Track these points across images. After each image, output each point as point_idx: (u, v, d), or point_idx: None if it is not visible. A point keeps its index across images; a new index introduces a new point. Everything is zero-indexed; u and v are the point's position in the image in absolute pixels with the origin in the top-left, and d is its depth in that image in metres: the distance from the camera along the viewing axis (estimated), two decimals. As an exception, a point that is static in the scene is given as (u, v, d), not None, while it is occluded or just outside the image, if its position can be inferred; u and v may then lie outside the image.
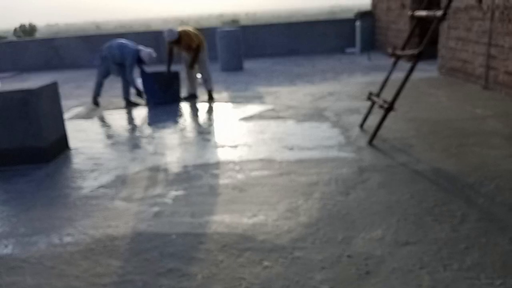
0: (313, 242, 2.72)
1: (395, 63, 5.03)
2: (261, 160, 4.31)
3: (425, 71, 9.25)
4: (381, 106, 4.48)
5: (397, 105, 4.60)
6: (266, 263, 2.53)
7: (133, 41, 7.58)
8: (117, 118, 6.57)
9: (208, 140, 5.11)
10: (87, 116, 6.75)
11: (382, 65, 10.38)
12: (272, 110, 6.43)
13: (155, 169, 4.22)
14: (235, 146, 4.79)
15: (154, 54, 7.11)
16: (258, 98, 7.33)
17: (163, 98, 7.25)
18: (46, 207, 3.50)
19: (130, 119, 6.52)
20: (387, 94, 5.07)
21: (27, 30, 52.62)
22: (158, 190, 3.70)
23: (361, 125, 5.20)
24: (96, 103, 7.27)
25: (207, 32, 9.37)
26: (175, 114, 6.62)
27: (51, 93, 4.77)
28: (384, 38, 12.59)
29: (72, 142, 5.22)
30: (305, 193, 3.45)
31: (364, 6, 15.01)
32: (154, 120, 6.24)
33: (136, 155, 4.69)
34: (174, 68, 7.37)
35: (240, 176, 3.91)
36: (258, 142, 4.90)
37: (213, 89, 7.56)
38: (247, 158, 4.40)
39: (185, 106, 7.12)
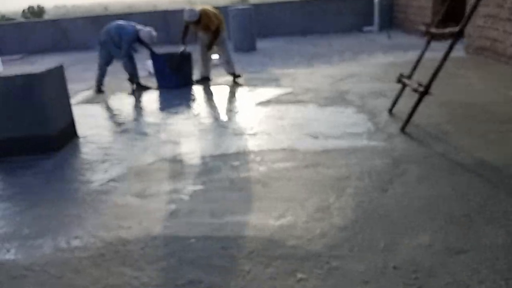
0: (351, 249, 2.40)
1: (428, 42, 4.60)
2: (283, 149, 3.97)
3: (450, 50, 8.75)
4: (415, 90, 4.09)
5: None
6: (300, 274, 2.22)
7: (141, 22, 7.19)
8: (127, 103, 6.25)
9: (225, 127, 4.77)
10: (95, 100, 6.44)
11: (403, 44, 9.87)
12: (291, 93, 6.05)
13: (170, 160, 3.91)
14: (254, 134, 4.45)
15: (154, 33, 6.67)
16: (275, 81, 6.95)
17: (175, 81, 6.90)
18: (53, 203, 3.22)
19: (141, 104, 6.20)
20: (416, 76, 4.68)
21: (36, 12, 52.23)
22: (173, 184, 3.40)
23: (390, 110, 4.81)
24: (99, 91, 6.90)
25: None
26: (188, 99, 6.27)
27: (57, 77, 4.45)
28: (403, 16, 12.00)
29: (81, 129, 4.92)
30: (336, 189, 3.11)
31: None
32: (166, 105, 5.92)
33: (148, 144, 4.39)
34: (188, 48, 6.98)
35: (262, 168, 3.58)
36: (278, 129, 4.55)
37: (236, 71, 7.15)
38: (268, 147, 4.06)
39: (198, 90, 6.77)
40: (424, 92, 3.96)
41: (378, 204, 2.86)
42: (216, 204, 3.01)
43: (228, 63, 7.03)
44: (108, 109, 6.02)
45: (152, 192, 3.28)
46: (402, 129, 4.21)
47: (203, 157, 3.94)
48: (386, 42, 10.37)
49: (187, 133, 4.66)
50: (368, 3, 12.64)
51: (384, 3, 12.03)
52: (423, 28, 4.54)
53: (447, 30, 3.96)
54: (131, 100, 6.41)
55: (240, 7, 11.15)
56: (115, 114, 5.73)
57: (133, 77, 6.75)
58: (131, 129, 4.95)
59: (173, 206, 3.02)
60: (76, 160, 4.10)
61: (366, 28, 12.51)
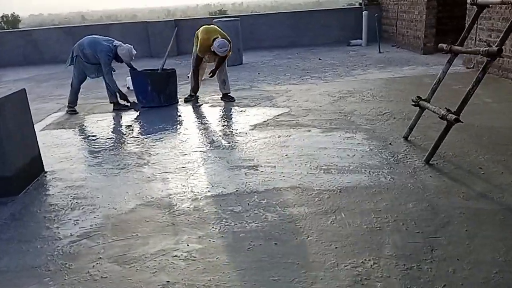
0: None
1: (450, 61, 4.06)
2: (292, 188, 3.33)
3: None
4: (443, 117, 3.51)
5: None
6: None
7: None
8: (104, 127, 5.51)
9: (219, 158, 4.10)
10: (68, 124, 5.66)
11: (395, 58, 9.45)
12: (288, 114, 5.44)
13: (156, 205, 3.21)
14: (255, 167, 3.80)
15: (134, 51, 5.94)
16: (268, 99, 6.33)
17: (158, 101, 6.22)
18: (7, 275, 2.47)
19: (120, 128, 5.47)
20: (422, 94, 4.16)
21: (10, 21, 50.61)
22: (162, 241, 2.70)
23: (407, 137, 4.24)
24: (72, 111, 6.14)
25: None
26: (174, 121, 5.58)
27: (18, 104, 3.69)
28: (393, 29, 11.63)
29: (48, 162, 4.17)
30: (371, 248, 2.48)
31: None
32: (149, 130, 5.20)
33: (129, 182, 3.67)
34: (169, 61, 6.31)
35: (271, 216, 2.93)
36: (282, 160, 3.91)
37: (230, 91, 6.53)
38: (274, 185, 3.41)
39: (184, 110, 6.09)
40: (455, 120, 3.39)
41: (430, 272, 2.23)
42: (221, 274, 2.33)
43: (224, 83, 6.40)
44: (82, 135, 5.25)
45: (135, 255, 2.57)
46: (427, 161, 3.63)
47: (195, 200, 3.25)
48: (378, 56, 9.93)
49: (174, 166, 3.97)
50: (355, 15, 12.24)
51: (373, 15, 11.62)
52: (445, 46, 4.00)
53: (482, 49, 3.41)
54: (108, 123, 5.68)
55: (227, 19, 10.54)
56: (90, 141, 4.98)
57: (121, 96, 5.96)
58: (108, 161, 4.23)
59: (164, 278, 2.33)
60: (39, 206, 3.33)
61: (353, 42, 12.07)
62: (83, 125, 5.61)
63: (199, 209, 3.10)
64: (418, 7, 10.01)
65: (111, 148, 4.61)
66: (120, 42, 5.93)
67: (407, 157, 3.80)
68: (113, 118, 5.89)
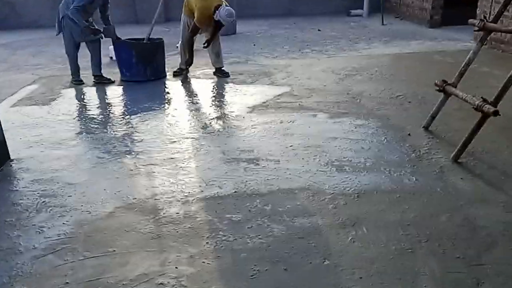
0: None
1: (482, 40, 3.52)
2: (301, 190, 2.83)
3: (457, 40, 7.78)
4: (477, 108, 3.00)
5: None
6: None
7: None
8: (83, 104, 4.90)
9: (213, 148, 3.56)
10: (41, 99, 5.02)
11: (400, 31, 8.84)
12: (290, 94, 4.89)
13: (138, 209, 2.69)
14: (255, 161, 3.28)
15: None
16: (266, 75, 5.75)
17: (144, 74, 5.60)
18: None
19: (101, 106, 4.86)
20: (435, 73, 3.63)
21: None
22: (145, 261, 2.20)
23: (427, 127, 3.75)
24: (77, 82, 5.54)
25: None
26: (161, 99, 4.99)
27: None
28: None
29: (16, 147, 3.60)
30: (403, 279, 2.01)
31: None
32: (133, 109, 4.60)
33: (108, 176, 3.13)
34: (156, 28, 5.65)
35: (277, 229, 2.43)
36: (286, 153, 3.39)
37: (224, 65, 5.92)
38: (279, 185, 2.91)
39: (172, 86, 5.49)
40: (494, 113, 2.89)
41: (482, 317, 1.79)
42: (218, 314, 1.85)
43: (218, 56, 5.79)
44: (56, 113, 4.61)
45: (111, 280, 2.07)
46: (456, 159, 3.14)
47: (187, 203, 2.74)
48: (381, 29, 9.31)
49: (161, 156, 3.42)
50: (355, -17, 11.49)
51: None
52: (477, 23, 3.45)
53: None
54: (88, 99, 5.06)
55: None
56: (64, 122, 4.34)
57: (89, 31, 5.29)
58: (84, 147, 3.67)
59: (146, 318, 1.85)
60: (0, 206, 2.80)
61: (354, 12, 11.38)
62: (59, 101, 4.98)
63: (191, 216, 2.59)
64: (426, -24, 9.33)
65: (88, 131, 4.03)
66: None
67: (431, 153, 3.31)
68: (94, 93, 5.27)
